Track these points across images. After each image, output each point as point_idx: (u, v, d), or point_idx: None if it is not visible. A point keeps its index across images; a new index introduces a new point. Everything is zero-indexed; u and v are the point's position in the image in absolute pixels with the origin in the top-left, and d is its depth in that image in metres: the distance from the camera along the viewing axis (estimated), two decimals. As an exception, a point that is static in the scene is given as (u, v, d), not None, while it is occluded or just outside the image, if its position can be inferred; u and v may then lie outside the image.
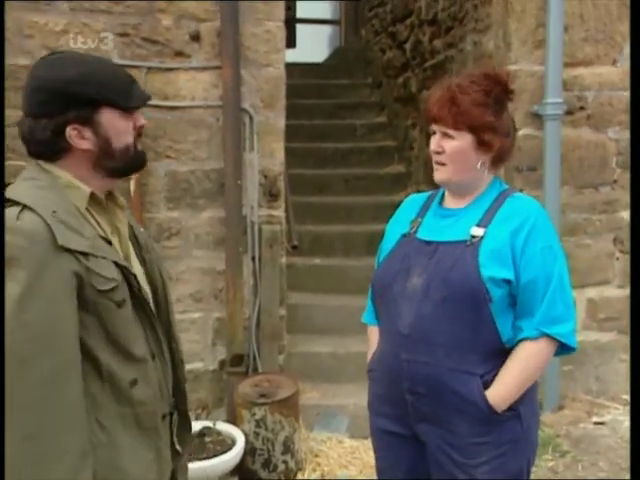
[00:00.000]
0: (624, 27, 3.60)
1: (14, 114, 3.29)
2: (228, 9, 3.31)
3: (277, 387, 3.23)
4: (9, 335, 1.16)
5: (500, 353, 1.68)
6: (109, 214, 1.40)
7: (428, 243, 1.74)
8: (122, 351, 1.30)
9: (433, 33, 4.93)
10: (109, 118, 1.31)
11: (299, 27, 6.97)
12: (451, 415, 1.68)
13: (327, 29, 8.83)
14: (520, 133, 3.63)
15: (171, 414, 1.49)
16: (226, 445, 2.98)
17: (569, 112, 3.64)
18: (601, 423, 3.55)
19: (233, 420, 3.21)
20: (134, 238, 1.47)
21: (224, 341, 3.51)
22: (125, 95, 1.33)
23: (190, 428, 1.60)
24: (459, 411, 1.67)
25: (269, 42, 3.44)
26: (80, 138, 1.30)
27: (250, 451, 3.08)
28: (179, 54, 3.38)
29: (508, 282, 1.64)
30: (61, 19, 3.26)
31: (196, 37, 3.37)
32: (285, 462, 3.12)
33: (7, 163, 3.32)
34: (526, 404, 1.71)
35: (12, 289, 1.16)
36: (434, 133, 1.73)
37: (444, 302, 1.66)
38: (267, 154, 3.53)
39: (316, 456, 3.32)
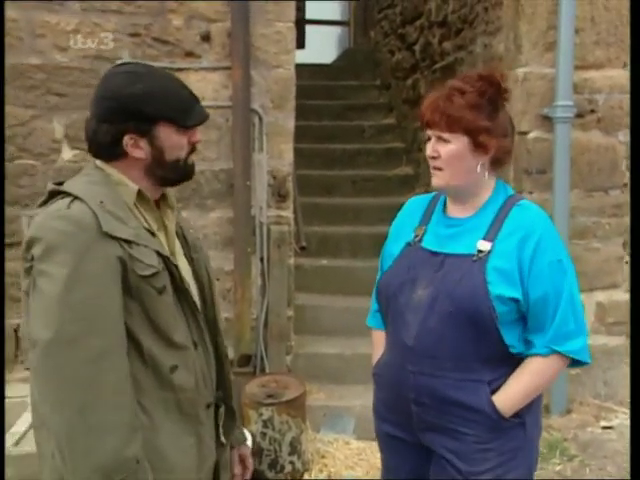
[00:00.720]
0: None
1: (25, 113, 3.33)
2: (238, 10, 3.32)
3: (284, 388, 3.23)
4: (56, 315, 1.24)
5: (508, 361, 1.67)
6: (158, 212, 1.49)
7: (434, 254, 1.72)
8: (163, 337, 1.37)
9: (443, 35, 4.92)
10: (165, 133, 1.41)
11: (308, 28, 6.97)
12: (457, 424, 1.67)
13: (336, 30, 8.83)
14: (530, 136, 3.62)
15: (217, 406, 1.56)
16: (236, 441, 2.97)
17: (579, 115, 3.63)
18: (609, 427, 3.54)
19: (240, 420, 3.21)
20: (183, 238, 1.56)
21: (232, 341, 3.51)
22: (184, 113, 1.42)
23: (235, 422, 1.67)
24: (465, 420, 1.66)
25: (279, 43, 3.44)
26: (135, 147, 1.40)
27: (257, 451, 3.08)
28: (189, 54, 3.40)
29: (515, 301, 1.62)
30: (72, 19, 3.28)
31: (206, 37, 3.38)
32: (292, 463, 3.12)
33: (18, 162, 3.35)
34: (531, 413, 1.71)
35: (58, 272, 1.25)
36: (429, 139, 1.71)
37: (450, 316, 1.64)
38: (276, 155, 3.53)
39: (323, 457, 3.32)
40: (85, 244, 1.27)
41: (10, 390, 3.02)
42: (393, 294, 1.76)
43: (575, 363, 1.69)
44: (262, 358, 3.56)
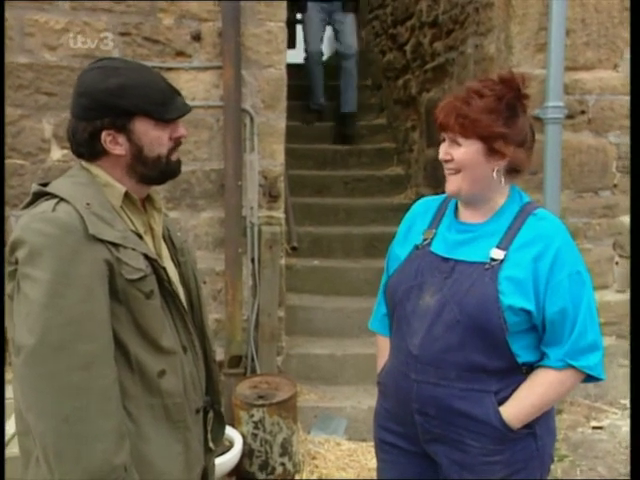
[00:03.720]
0: (626, 32, 3.60)
1: (14, 112, 3.30)
2: (229, 9, 3.31)
3: (275, 389, 3.23)
4: (42, 320, 1.20)
5: (515, 371, 1.61)
6: (145, 215, 1.46)
7: (444, 260, 1.66)
8: (151, 342, 1.34)
9: (434, 35, 4.92)
10: (143, 127, 1.37)
11: (298, 28, 6.95)
12: (463, 436, 1.62)
13: (327, 30, 8.80)
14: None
15: (205, 410, 1.53)
16: (224, 447, 2.97)
17: (570, 116, 3.63)
18: (599, 428, 3.54)
19: (231, 422, 3.19)
20: (169, 241, 1.52)
21: (223, 342, 3.50)
22: (162, 106, 1.38)
23: (224, 427, 1.63)
24: (471, 432, 1.61)
25: (270, 43, 3.43)
26: (114, 144, 1.37)
27: (248, 453, 3.08)
28: (180, 54, 3.38)
29: (527, 312, 1.56)
30: (62, 18, 3.26)
31: (197, 37, 3.37)
32: (283, 464, 3.11)
33: (8, 162, 3.32)
34: (542, 422, 1.65)
35: (43, 276, 1.22)
36: (443, 140, 1.65)
37: (457, 325, 1.58)
38: (267, 155, 3.52)
39: (314, 458, 3.31)
40: (71, 247, 1.24)
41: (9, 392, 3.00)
42: (400, 299, 1.70)
43: (589, 378, 1.63)
44: (253, 359, 3.55)
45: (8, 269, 1.28)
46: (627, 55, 3.62)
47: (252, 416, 3.07)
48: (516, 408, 1.59)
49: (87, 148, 1.38)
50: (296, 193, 4.62)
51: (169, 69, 3.36)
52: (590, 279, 1.63)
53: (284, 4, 3.46)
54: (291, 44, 5.75)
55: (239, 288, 3.46)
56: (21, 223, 1.29)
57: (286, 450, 3.11)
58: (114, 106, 1.34)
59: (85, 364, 1.22)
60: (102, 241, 1.28)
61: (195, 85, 3.38)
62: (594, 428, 3.54)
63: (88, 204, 1.30)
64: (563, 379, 1.60)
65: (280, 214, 3.60)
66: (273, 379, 3.34)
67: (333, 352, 3.91)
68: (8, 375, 3.18)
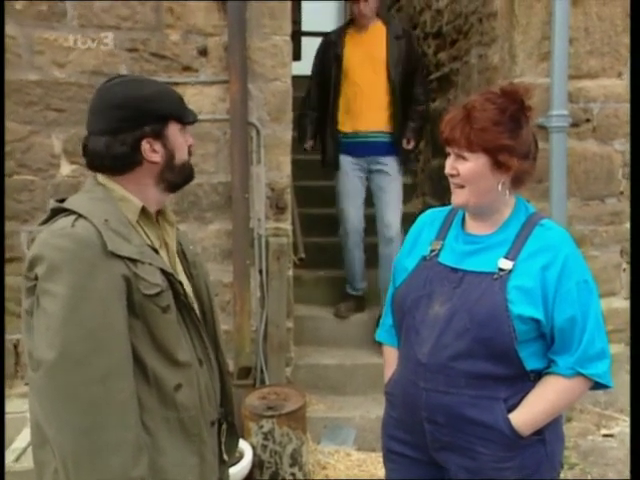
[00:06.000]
0: (629, 40, 3.61)
1: (24, 129, 3.34)
2: (235, 24, 3.34)
3: (284, 399, 3.23)
4: (61, 335, 1.23)
5: (524, 378, 1.63)
6: (159, 229, 1.48)
7: (453, 270, 1.67)
8: (167, 356, 1.36)
9: (438, 46, 4.96)
10: (174, 133, 1.44)
11: (304, 40, 7.00)
12: (472, 443, 1.63)
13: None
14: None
15: (220, 423, 1.55)
16: (234, 458, 2.98)
17: (575, 124, 3.65)
18: (610, 435, 3.53)
19: (240, 433, 3.20)
20: (182, 254, 1.55)
21: (231, 354, 3.51)
22: (184, 111, 1.47)
23: (237, 438, 1.65)
24: (481, 439, 1.62)
25: (276, 56, 3.46)
26: (152, 151, 1.41)
27: (258, 464, 3.08)
28: (187, 69, 3.42)
29: (536, 321, 1.58)
30: (71, 35, 3.30)
31: (203, 52, 3.40)
32: (293, 475, 3.12)
33: (18, 177, 3.36)
34: (552, 429, 1.66)
35: (62, 291, 1.24)
36: (449, 154, 1.67)
37: (466, 334, 1.60)
38: (274, 167, 3.55)
39: (323, 468, 3.31)
40: (90, 263, 1.27)
41: (10, 405, 3.02)
42: (408, 309, 1.72)
43: (597, 385, 1.65)
44: (262, 370, 3.56)
45: (27, 285, 1.30)
46: (631, 63, 3.64)
47: (261, 427, 3.08)
48: (526, 415, 1.61)
49: (125, 160, 1.40)
50: (303, 204, 4.63)
51: (176, 84, 3.39)
52: (596, 288, 1.65)
53: (289, 18, 3.49)
54: (296, 56, 5.79)
55: (247, 299, 3.48)
56: (40, 239, 1.31)
57: (296, 461, 3.12)
58: (153, 112, 1.39)
59: (103, 377, 1.24)
60: (120, 257, 1.30)
61: (202, 99, 3.42)
62: (604, 436, 3.53)
63: (106, 220, 1.32)
64: (572, 387, 1.62)
65: (287, 225, 3.63)
66: (282, 390, 3.35)
67: (342, 362, 3.91)
68: (8, 391, 3.21)
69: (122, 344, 1.28)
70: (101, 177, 1.43)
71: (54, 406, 1.24)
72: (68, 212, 1.34)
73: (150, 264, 1.34)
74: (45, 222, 1.37)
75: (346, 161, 4.10)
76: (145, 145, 1.39)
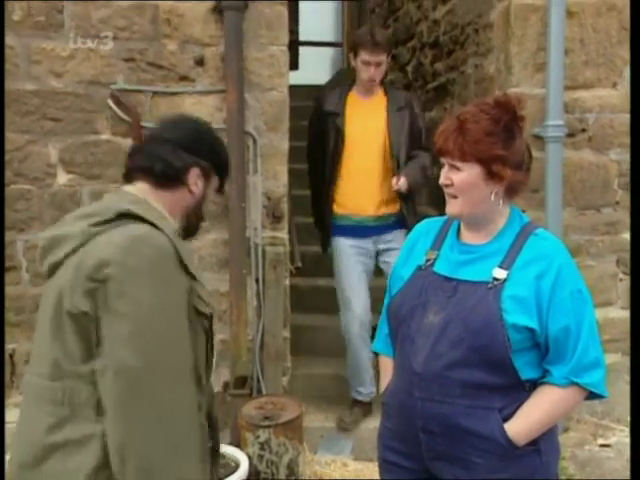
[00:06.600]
0: (624, 51, 3.64)
1: (21, 138, 3.35)
2: (232, 34, 3.36)
3: (281, 409, 3.22)
4: (143, 340, 1.25)
5: (519, 388, 1.63)
6: None
7: (447, 280, 1.68)
8: (196, 375, 1.38)
9: (435, 56, 4.98)
10: (212, 185, 1.56)
11: (301, 49, 7.03)
12: (467, 453, 1.63)
13: (329, 51, 8.91)
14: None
15: (214, 448, 1.56)
16: (230, 468, 2.97)
17: (570, 134, 3.66)
18: (607, 445, 3.52)
19: (237, 443, 3.20)
20: None
21: (228, 363, 3.50)
22: (227, 172, 1.61)
23: (219, 462, 1.65)
24: (476, 449, 1.62)
25: (273, 66, 3.48)
26: (195, 182, 1.50)
27: (254, 474, 3.07)
28: (184, 78, 3.43)
29: (530, 330, 1.59)
30: (68, 45, 3.31)
31: (200, 62, 3.41)
32: (289, 485, 3.10)
33: (15, 187, 3.36)
34: (547, 439, 1.66)
35: (145, 295, 1.26)
36: (443, 165, 1.68)
37: (461, 343, 1.60)
38: (271, 176, 3.55)
39: (320, 479, 3.30)
40: (169, 272, 1.30)
41: (6, 416, 3.00)
42: (403, 318, 1.72)
43: (592, 395, 1.65)
44: (258, 379, 3.55)
45: (88, 286, 1.27)
46: (626, 73, 3.66)
47: (258, 437, 3.07)
48: (521, 425, 1.61)
49: (174, 173, 1.46)
50: (300, 213, 4.64)
51: (173, 94, 3.41)
52: (591, 297, 1.65)
53: (286, 28, 3.51)
54: (294, 65, 5.81)
55: (244, 308, 3.48)
56: (112, 242, 1.30)
57: (292, 471, 3.11)
58: (215, 156, 1.53)
59: (177, 383, 1.28)
60: (187, 271, 1.34)
61: (199, 109, 3.42)
62: (601, 446, 3.52)
63: (176, 232, 1.37)
64: (567, 396, 1.62)
65: (284, 234, 3.63)
66: (279, 399, 3.34)
67: (338, 372, 3.90)
68: (6, 400, 3.19)
69: (189, 354, 1.32)
70: (138, 192, 1.44)
71: (134, 411, 1.24)
72: (135, 218, 1.35)
73: (203, 286, 1.40)
74: (104, 223, 1.34)
75: (345, 245, 3.60)
76: (194, 171, 1.47)
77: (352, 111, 3.57)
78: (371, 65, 3.43)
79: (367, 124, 3.55)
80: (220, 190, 1.58)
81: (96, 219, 1.35)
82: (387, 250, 3.58)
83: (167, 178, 1.45)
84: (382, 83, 3.63)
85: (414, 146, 3.57)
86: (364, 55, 3.42)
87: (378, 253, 3.62)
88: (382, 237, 3.58)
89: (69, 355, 1.29)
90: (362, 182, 3.53)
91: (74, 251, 1.32)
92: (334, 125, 3.55)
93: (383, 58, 3.46)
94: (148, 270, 1.27)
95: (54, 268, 1.36)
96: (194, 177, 1.48)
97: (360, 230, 3.56)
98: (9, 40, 3.25)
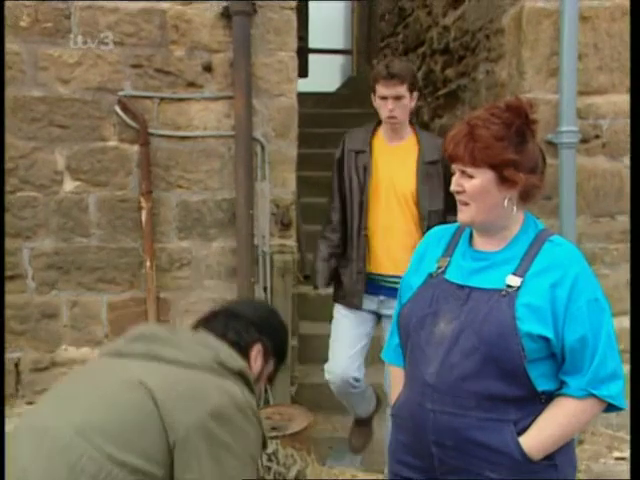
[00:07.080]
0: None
1: (27, 145, 3.34)
2: (240, 40, 3.34)
3: (289, 420, 3.18)
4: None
5: (534, 400, 1.58)
6: None
7: (460, 287, 1.64)
8: None
9: (445, 62, 4.94)
10: (269, 367, 1.76)
11: (311, 57, 7.03)
12: (481, 467, 1.58)
13: (339, 59, 8.91)
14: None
15: None
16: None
17: (584, 140, 3.61)
18: (622, 458, 3.45)
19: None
20: None
21: (235, 373, 3.46)
22: (284, 358, 1.82)
23: None
24: (490, 463, 1.57)
25: (281, 72, 3.45)
26: (255, 358, 1.70)
27: (261, 486, 3.02)
28: (191, 85, 3.41)
29: (546, 339, 1.54)
30: (75, 51, 3.30)
31: (208, 68, 3.40)
32: (297, 498, 3.05)
33: (21, 194, 3.35)
34: (563, 453, 1.61)
35: (242, 453, 1.51)
36: (454, 173, 1.64)
37: (474, 353, 1.56)
38: (279, 183, 3.52)
39: (329, 491, 3.25)
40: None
41: (10, 426, 2.97)
42: (414, 328, 1.68)
43: (609, 407, 1.59)
44: (266, 389, 3.51)
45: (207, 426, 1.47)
46: (640, 78, 3.61)
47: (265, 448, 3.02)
48: (537, 438, 1.56)
49: (241, 344, 1.65)
50: (308, 221, 4.61)
51: (181, 100, 3.39)
52: (609, 306, 1.60)
53: (294, 34, 3.48)
54: (303, 73, 5.80)
55: (251, 317, 3.44)
56: (228, 392, 1.51)
57: (300, 483, 3.06)
58: (280, 344, 1.77)
59: None
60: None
61: (206, 115, 3.41)
62: (617, 459, 3.46)
63: None
64: (585, 408, 1.57)
65: (292, 242, 3.60)
66: (286, 410, 3.30)
67: (347, 382, 3.85)
68: (8, 411, 3.16)
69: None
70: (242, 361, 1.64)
71: None
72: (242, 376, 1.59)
73: None
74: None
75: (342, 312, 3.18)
76: (257, 347, 1.69)
77: (378, 155, 3.09)
78: (388, 99, 2.98)
79: (392, 175, 3.00)
80: (271, 378, 1.78)
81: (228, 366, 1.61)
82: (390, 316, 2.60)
83: (236, 347, 1.63)
84: (411, 124, 3.14)
85: (447, 210, 2.85)
86: (380, 89, 3.01)
87: (380, 315, 3.09)
88: (389, 302, 2.87)
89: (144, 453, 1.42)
90: (383, 241, 2.99)
91: None
92: (363, 165, 3.09)
93: (402, 91, 2.96)
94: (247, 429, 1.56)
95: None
96: (256, 352, 1.68)
97: (370, 286, 3.03)
98: (16, 46, 3.24)
